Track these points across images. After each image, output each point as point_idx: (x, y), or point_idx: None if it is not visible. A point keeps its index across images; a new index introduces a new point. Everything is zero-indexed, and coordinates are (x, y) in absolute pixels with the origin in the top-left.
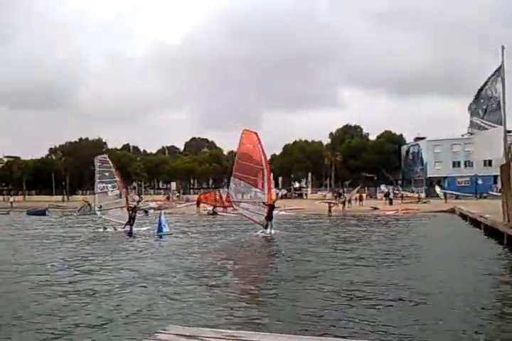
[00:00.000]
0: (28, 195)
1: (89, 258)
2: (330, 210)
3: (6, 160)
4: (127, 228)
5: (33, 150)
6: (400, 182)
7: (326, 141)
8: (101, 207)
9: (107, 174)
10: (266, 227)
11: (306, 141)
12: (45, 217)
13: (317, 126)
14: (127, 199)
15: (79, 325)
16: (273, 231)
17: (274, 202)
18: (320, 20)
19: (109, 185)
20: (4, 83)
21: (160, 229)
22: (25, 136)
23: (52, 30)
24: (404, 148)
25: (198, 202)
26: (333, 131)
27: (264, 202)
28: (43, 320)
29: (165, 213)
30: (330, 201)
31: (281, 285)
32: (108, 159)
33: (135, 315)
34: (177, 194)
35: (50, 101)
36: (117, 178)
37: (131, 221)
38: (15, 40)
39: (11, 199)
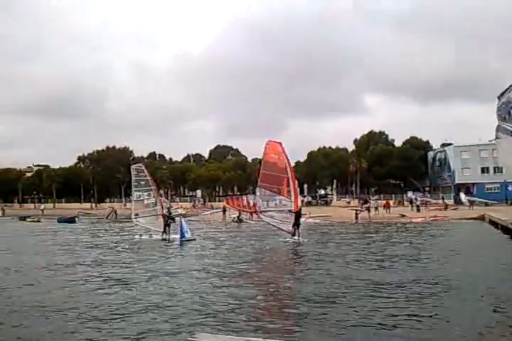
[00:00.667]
0: (58, 202)
1: (126, 264)
2: (356, 217)
3: (36, 168)
4: (164, 236)
5: (62, 159)
6: (427, 189)
7: (351, 147)
8: (137, 214)
9: (142, 183)
10: (293, 235)
11: (330, 148)
12: (75, 224)
13: (341, 133)
14: (163, 207)
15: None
16: (301, 239)
17: (300, 209)
18: (342, 26)
19: (145, 193)
20: (35, 95)
21: (182, 235)
22: (55, 145)
23: (79, 43)
24: (430, 154)
25: (224, 210)
26: (358, 138)
27: (290, 210)
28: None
29: (191, 220)
30: (356, 208)
31: (311, 296)
32: (144, 168)
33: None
34: (202, 201)
35: (78, 112)
36: (153, 187)
37: (166, 228)
38: (44, 54)
39: (42, 207)
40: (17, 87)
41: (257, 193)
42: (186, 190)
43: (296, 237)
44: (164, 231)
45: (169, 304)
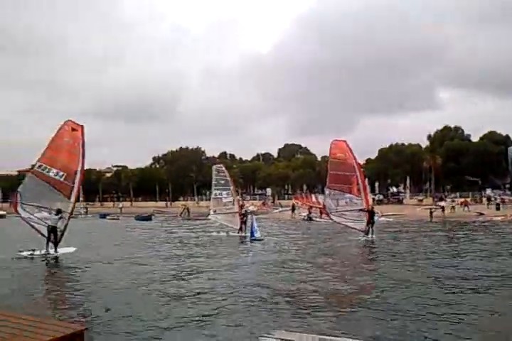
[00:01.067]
0: (135, 201)
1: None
2: (431, 216)
3: (115, 169)
4: (240, 233)
5: (139, 159)
6: (507, 186)
7: (424, 143)
8: (215, 211)
9: (222, 182)
10: (367, 233)
11: (403, 144)
12: (151, 221)
13: (414, 129)
14: (240, 206)
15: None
16: (374, 236)
17: (372, 207)
18: (415, 20)
19: (224, 192)
20: (114, 100)
21: (252, 234)
22: (132, 147)
23: (153, 48)
24: (511, 149)
25: (293, 208)
26: (432, 133)
27: (361, 209)
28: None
29: (261, 218)
30: (431, 206)
31: (389, 293)
32: (224, 168)
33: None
34: (272, 200)
35: (153, 115)
36: (231, 186)
37: (242, 226)
38: (123, 61)
39: (120, 205)
40: (97, 93)
41: (326, 193)
42: (256, 189)
43: (369, 235)
44: (240, 229)
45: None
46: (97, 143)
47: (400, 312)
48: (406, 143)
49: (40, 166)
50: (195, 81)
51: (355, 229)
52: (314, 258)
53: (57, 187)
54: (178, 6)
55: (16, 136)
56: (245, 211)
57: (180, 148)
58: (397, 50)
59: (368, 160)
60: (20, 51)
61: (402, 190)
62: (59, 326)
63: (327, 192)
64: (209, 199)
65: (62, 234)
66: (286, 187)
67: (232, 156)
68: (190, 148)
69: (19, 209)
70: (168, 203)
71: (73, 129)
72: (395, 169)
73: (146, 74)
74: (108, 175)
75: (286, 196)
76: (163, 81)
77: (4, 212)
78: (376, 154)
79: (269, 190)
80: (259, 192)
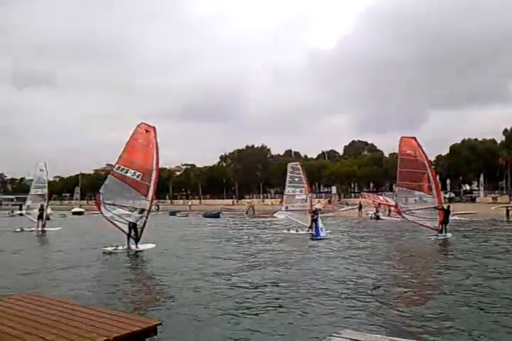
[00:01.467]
0: (203, 198)
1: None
2: (508, 215)
3: (184, 167)
4: (311, 231)
5: (207, 158)
6: None
7: (500, 138)
8: (287, 208)
9: (296, 179)
10: (440, 231)
11: (476, 140)
12: (219, 219)
13: (488, 124)
14: (311, 205)
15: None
16: (449, 234)
17: (448, 206)
18: (485, 11)
19: (297, 190)
20: (184, 100)
21: (317, 233)
22: (200, 146)
23: (220, 48)
24: None
25: (360, 206)
26: (508, 128)
27: (436, 207)
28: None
29: (327, 216)
30: (507, 205)
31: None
32: (299, 166)
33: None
34: (338, 198)
35: (220, 115)
36: (305, 184)
37: (313, 224)
38: (191, 62)
39: (189, 203)
40: (166, 94)
41: (396, 192)
42: (321, 186)
43: (442, 234)
44: (310, 227)
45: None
46: (167, 143)
47: None
48: (479, 139)
49: (118, 168)
50: (261, 79)
51: (428, 227)
52: (387, 254)
53: (134, 186)
54: (244, 6)
55: (93, 138)
56: (316, 209)
57: (247, 146)
58: (467, 41)
59: (439, 157)
60: (94, 56)
61: (476, 188)
62: (135, 320)
63: (396, 190)
64: (274, 197)
65: (141, 231)
66: (352, 185)
67: (297, 154)
68: (256, 146)
69: (102, 208)
70: (235, 201)
71: (146, 131)
72: (468, 166)
73: (214, 74)
74: (178, 173)
75: (352, 194)
76: (230, 80)
77: (83, 209)
78: (447, 150)
79: (334, 188)
80: (325, 190)
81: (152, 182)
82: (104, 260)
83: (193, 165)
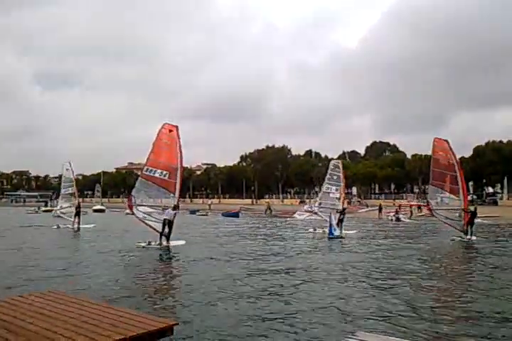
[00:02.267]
0: (223, 198)
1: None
2: None
3: (204, 167)
4: (338, 230)
5: (227, 158)
6: None
7: None
8: (320, 204)
9: (335, 177)
10: (466, 233)
11: (501, 142)
12: (238, 218)
13: None
14: (343, 204)
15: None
16: (474, 238)
17: (475, 208)
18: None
19: (334, 188)
20: (204, 100)
21: (331, 233)
22: (220, 145)
23: (244, 48)
24: None
25: (380, 208)
26: None
27: (463, 209)
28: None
29: (346, 217)
30: None
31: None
32: (340, 165)
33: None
34: (358, 199)
35: (241, 114)
36: (342, 183)
37: (339, 223)
38: (214, 62)
39: (209, 202)
40: (187, 94)
41: (429, 190)
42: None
43: (468, 236)
44: (337, 226)
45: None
46: (188, 142)
47: None
48: (504, 141)
49: (146, 170)
50: (284, 79)
51: (455, 228)
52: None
53: (163, 185)
54: (268, 6)
55: (116, 137)
56: (343, 208)
57: (267, 146)
58: (492, 41)
59: (462, 159)
60: (118, 56)
61: (499, 191)
62: (152, 320)
63: (430, 188)
64: (293, 197)
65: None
66: (372, 186)
67: (318, 154)
68: (277, 146)
69: (134, 210)
70: (254, 201)
71: (170, 130)
72: (492, 168)
73: (237, 74)
74: (198, 172)
75: (372, 195)
76: (252, 80)
77: (104, 207)
78: (471, 152)
79: (354, 189)
80: (345, 191)
81: (178, 180)
82: (139, 252)
83: (213, 165)
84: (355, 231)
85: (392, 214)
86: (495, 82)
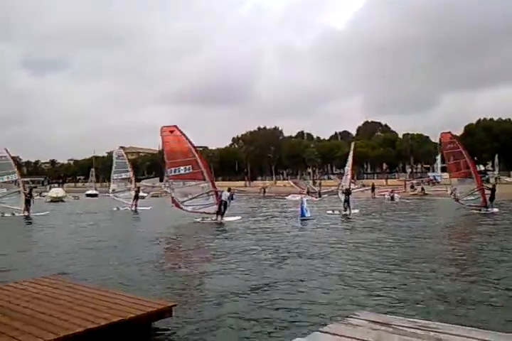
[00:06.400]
0: (216, 180)
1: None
2: None
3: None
4: (347, 211)
5: (219, 140)
6: None
7: None
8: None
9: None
10: (487, 207)
11: (492, 120)
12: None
13: (503, 104)
14: (350, 184)
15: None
16: (495, 209)
17: (494, 185)
18: None
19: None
20: (193, 84)
21: (302, 214)
22: (212, 128)
23: (232, 31)
24: None
25: (373, 187)
26: None
27: (480, 188)
28: None
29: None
30: None
31: None
32: (353, 145)
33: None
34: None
35: (231, 97)
36: (349, 166)
37: (346, 203)
38: (202, 46)
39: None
40: (176, 78)
41: (452, 183)
42: (334, 168)
43: (489, 209)
44: (345, 207)
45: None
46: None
47: None
48: (495, 119)
49: (170, 171)
50: (273, 61)
51: (477, 206)
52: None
53: (191, 177)
54: None
55: (106, 122)
56: (347, 189)
57: (259, 128)
58: (482, 23)
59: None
60: (106, 41)
61: (490, 169)
62: (150, 302)
63: (451, 181)
64: (286, 179)
65: (225, 207)
66: (365, 166)
67: (310, 135)
68: (268, 128)
69: (182, 207)
70: (247, 183)
71: (171, 131)
72: (483, 146)
73: (226, 57)
74: None
75: (365, 175)
76: (241, 63)
77: (97, 192)
78: (461, 131)
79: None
80: (338, 171)
81: (202, 166)
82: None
83: (205, 147)
84: (357, 211)
85: (387, 193)
86: (484, 62)
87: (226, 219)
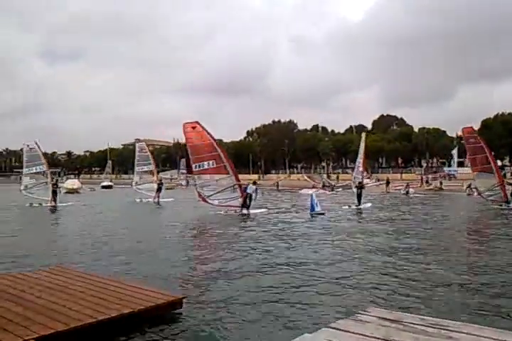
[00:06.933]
0: None
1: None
2: None
3: None
4: (356, 205)
5: (233, 133)
6: None
7: None
8: (355, 178)
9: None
10: (508, 202)
11: (510, 114)
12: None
13: None
14: (363, 178)
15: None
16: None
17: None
18: None
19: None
20: (206, 76)
21: (312, 209)
22: (227, 121)
23: (246, 23)
24: None
25: (388, 182)
26: None
27: (501, 183)
28: None
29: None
30: None
31: None
32: (363, 136)
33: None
34: (367, 173)
35: (246, 90)
36: (361, 159)
37: (358, 198)
38: (215, 36)
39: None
40: (189, 69)
41: (474, 177)
42: (348, 162)
43: (510, 204)
44: (359, 201)
45: None
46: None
47: None
48: None
49: (195, 167)
50: (286, 53)
51: (498, 201)
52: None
53: (216, 172)
54: None
55: (121, 113)
56: (359, 182)
57: (273, 121)
58: (498, 12)
59: None
60: (120, 32)
61: (508, 164)
62: (161, 294)
63: (474, 175)
64: (300, 172)
65: (250, 199)
66: (380, 160)
67: (325, 129)
68: (283, 121)
69: (209, 201)
70: (261, 176)
71: (193, 127)
72: (501, 141)
73: (240, 48)
74: None
75: (380, 169)
76: (256, 54)
77: (112, 183)
78: (479, 125)
79: None
80: (352, 165)
81: (225, 161)
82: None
83: (219, 140)
84: (370, 205)
85: (401, 187)
86: (502, 55)
87: (252, 211)
